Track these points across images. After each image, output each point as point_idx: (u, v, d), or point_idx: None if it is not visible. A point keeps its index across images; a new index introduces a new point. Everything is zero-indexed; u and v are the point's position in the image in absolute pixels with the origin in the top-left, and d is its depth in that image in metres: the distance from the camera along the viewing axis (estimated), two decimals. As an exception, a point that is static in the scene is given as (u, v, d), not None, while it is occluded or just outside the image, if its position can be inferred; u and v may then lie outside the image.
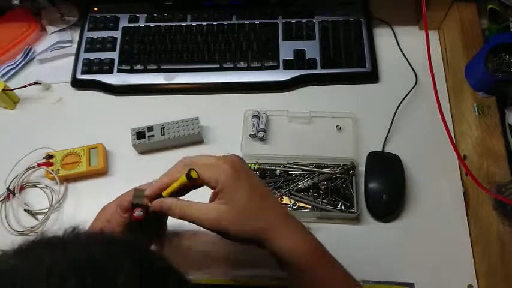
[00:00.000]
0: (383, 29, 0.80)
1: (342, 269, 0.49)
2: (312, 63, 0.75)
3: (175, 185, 0.47)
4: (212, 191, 0.48)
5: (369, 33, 0.78)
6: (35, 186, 0.70)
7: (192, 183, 0.47)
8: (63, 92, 0.78)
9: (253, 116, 0.71)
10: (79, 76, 0.78)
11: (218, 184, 0.46)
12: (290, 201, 0.65)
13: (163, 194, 0.48)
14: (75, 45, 0.81)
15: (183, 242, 0.64)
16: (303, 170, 0.67)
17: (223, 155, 0.49)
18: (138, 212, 0.48)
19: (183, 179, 0.46)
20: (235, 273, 0.62)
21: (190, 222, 0.47)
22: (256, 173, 0.68)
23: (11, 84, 0.76)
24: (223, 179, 0.45)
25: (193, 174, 0.46)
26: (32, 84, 0.76)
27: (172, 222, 0.66)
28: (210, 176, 0.46)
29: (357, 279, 0.61)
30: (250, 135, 0.71)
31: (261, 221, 0.46)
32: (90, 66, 0.77)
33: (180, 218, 0.47)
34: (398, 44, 0.78)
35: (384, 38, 0.79)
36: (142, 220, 0.48)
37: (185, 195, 0.50)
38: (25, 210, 0.67)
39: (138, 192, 0.49)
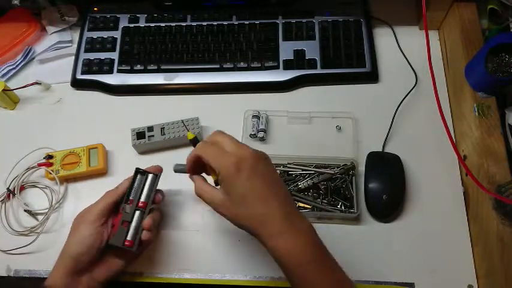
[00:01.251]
0: (383, 29, 0.80)
1: (339, 272, 0.48)
2: (312, 63, 0.75)
3: None
4: None
5: (369, 33, 0.78)
6: (35, 186, 0.70)
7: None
8: (63, 92, 0.78)
9: (253, 116, 0.71)
10: (79, 76, 0.78)
11: (219, 174, 0.48)
12: (290, 201, 0.65)
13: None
14: (75, 46, 0.81)
15: (182, 242, 0.64)
16: (303, 170, 0.67)
17: (245, 146, 0.50)
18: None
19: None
20: (236, 273, 0.62)
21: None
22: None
23: (11, 84, 0.76)
24: (224, 172, 0.48)
25: (189, 136, 0.59)
26: (32, 84, 0.76)
27: (172, 222, 0.66)
28: (214, 165, 0.49)
29: (357, 279, 0.61)
30: (250, 135, 0.71)
31: (251, 219, 0.48)
32: (90, 67, 0.77)
33: (198, 196, 0.52)
34: (398, 44, 0.78)
35: (384, 38, 0.79)
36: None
37: None
38: (25, 211, 0.67)
39: (178, 166, 0.58)
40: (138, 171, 0.60)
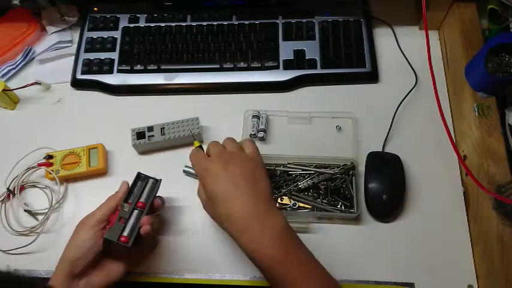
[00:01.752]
0: (383, 29, 0.80)
1: (319, 271, 0.49)
2: (312, 63, 0.75)
3: None
4: None
5: (369, 33, 0.78)
6: (35, 186, 0.70)
7: None
8: (63, 92, 0.78)
9: (253, 116, 0.71)
10: (79, 76, 0.78)
11: (198, 176, 0.55)
12: (290, 201, 0.65)
13: None
14: (75, 46, 0.81)
15: (182, 242, 0.64)
16: (303, 170, 0.67)
17: (222, 148, 0.57)
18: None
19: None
20: (236, 273, 0.62)
21: None
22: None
23: (11, 85, 0.76)
24: (199, 176, 0.55)
25: (195, 144, 0.61)
26: (32, 84, 0.76)
27: (172, 222, 0.66)
28: (195, 169, 0.58)
29: (357, 280, 0.61)
30: (250, 135, 0.71)
31: (220, 218, 0.52)
32: (90, 67, 0.77)
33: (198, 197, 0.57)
34: (398, 44, 0.78)
35: (384, 38, 0.79)
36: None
37: None
38: (25, 211, 0.67)
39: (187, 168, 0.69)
40: (139, 175, 0.60)
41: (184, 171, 0.69)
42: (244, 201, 0.50)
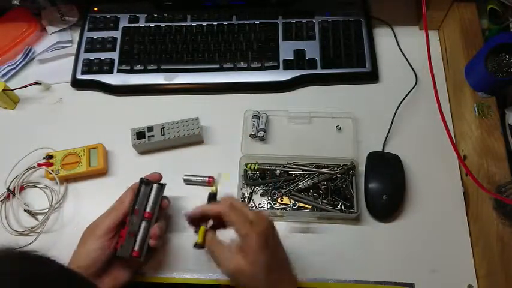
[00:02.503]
0: (383, 29, 0.80)
1: None
2: (312, 63, 0.75)
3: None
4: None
5: (369, 33, 0.78)
6: (35, 186, 0.70)
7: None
8: (63, 92, 0.78)
9: (253, 116, 0.71)
10: (79, 76, 0.78)
11: (241, 241, 0.50)
12: (290, 202, 0.65)
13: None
14: (75, 46, 0.81)
15: (182, 242, 0.64)
16: (303, 170, 0.67)
17: (262, 215, 0.52)
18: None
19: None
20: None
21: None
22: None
23: (11, 85, 0.76)
24: (250, 242, 0.49)
25: (212, 189, 0.58)
26: (32, 84, 0.76)
27: (172, 222, 0.66)
28: (239, 231, 0.51)
29: (357, 280, 0.61)
30: (250, 135, 0.71)
31: (264, 285, 0.50)
32: (90, 67, 0.77)
33: (209, 250, 0.53)
34: (398, 44, 0.78)
35: (384, 38, 0.79)
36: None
37: None
38: (25, 211, 0.67)
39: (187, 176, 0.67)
40: (142, 181, 0.59)
41: (184, 180, 0.68)
42: (286, 270, 0.53)
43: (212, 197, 0.58)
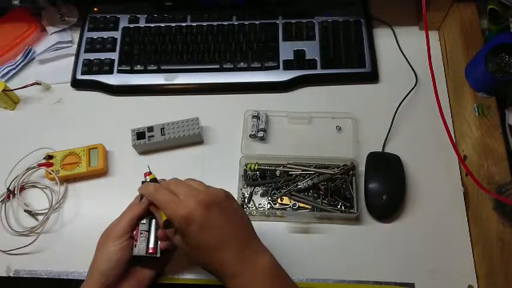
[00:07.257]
0: (383, 29, 0.80)
1: None
2: (312, 64, 0.75)
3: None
4: None
5: (369, 33, 0.78)
6: (35, 186, 0.70)
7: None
8: (63, 92, 0.78)
9: (253, 116, 0.71)
10: (79, 76, 0.78)
11: (174, 224, 0.50)
12: (290, 202, 0.65)
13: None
14: (75, 46, 0.81)
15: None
16: (303, 170, 0.67)
17: (197, 190, 0.50)
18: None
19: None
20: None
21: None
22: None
23: (11, 85, 0.76)
24: (176, 224, 0.49)
25: (150, 176, 0.58)
26: (32, 84, 0.76)
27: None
28: (167, 214, 0.50)
29: (357, 280, 0.61)
30: (250, 135, 0.71)
31: (208, 266, 0.49)
32: (90, 67, 0.77)
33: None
34: (398, 44, 0.78)
35: (384, 38, 0.79)
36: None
37: None
38: (25, 211, 0.67)
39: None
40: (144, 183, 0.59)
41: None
42: (233, 246, 0.48)
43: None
